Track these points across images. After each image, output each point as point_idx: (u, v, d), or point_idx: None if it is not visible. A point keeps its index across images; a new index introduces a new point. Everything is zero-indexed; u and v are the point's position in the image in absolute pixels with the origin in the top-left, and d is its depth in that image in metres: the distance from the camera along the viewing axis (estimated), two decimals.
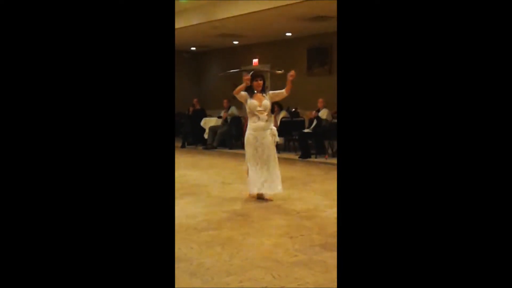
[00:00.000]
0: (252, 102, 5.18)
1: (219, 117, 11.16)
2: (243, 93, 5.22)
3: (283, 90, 5.28)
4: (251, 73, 5.37)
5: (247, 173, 5.28)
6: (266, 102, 5.21)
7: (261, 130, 5.19)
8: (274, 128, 5.34)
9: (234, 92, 5.23)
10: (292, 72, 5.18)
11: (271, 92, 5.39)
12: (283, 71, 5.80)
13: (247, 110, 5.27)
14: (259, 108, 5.18)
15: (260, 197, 5.29)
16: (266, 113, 5.21)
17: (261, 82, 5.24)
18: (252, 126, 5.22)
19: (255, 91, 5.22)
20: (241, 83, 5.32)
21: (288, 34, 11.27)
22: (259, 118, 5.19)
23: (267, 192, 5.22)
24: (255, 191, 5.23)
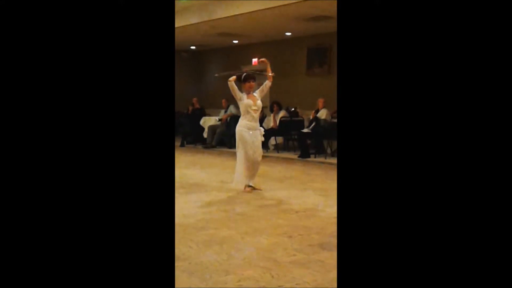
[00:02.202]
0: (247, 102, 5.61)
1: (219, 120, 11.16)
2: (235, 87, 5.59)
3: (266, 81, 5.73)
4: (243, 75, 5.73)
5: (247, 176, 5.68)
6: (259, 103, 5.69)
7: (253, 129, 5.64)
8: (262, 128, 5.79)
9: (229, 79, 5.56)
10: (265, 60, 5.87)
11: (257, 91, 5.74)
12: (273, 74, 6.22)
13: (242, 108, 5.67)
14: (254, 107, 5.62)
15: (250, 189, 5.68)
16: (259, 112, 5.71)
17: (253, 84, 5.69)
18: (246, 124, 5.62)
19: (247, 92, 5.65)
20: (240, 83, 5.68)
21: (288, 34, 11.27)
22: (253, 117, 5.63)
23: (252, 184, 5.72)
24: (241, 187, 5.68)
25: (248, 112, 5.60)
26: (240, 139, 5.62)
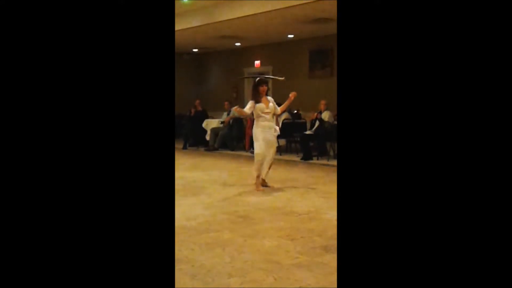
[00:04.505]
0: (260, 105, 6.00)
1: (222, 122, 11.19)
2: (248, 106, 6.07)
3: (278, 108, 6.24)
4: (257, 79, 6.22)
5: (257, 170, 6.04)
6: (271, 105, 6.07)
7: (268, 128, 6.04)
8: (277, 127, 6.23)
9: (241, 114, 6.34)
10: (294, 94, 6.24)
11: (272, 104, 6.13)
12: (284, 78, 6.97)
13: (255, 112, 6.06)
14: (266, 110, 6.01)
15: (264, 185, 6.09)
16: (271, 114, 6.08)
17: (266, 88, 6.15)
18: (260, 125, 6.04)
19: (261, 96, 6.04)
20: (242, 84, 6.03)
21: (290, 36, 11.28)
22: (266, 119, 6.03)
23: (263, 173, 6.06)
24: (264, 173, 6.07)
25: (260, 116, 6.01)
26: (255, 139, 6.09)
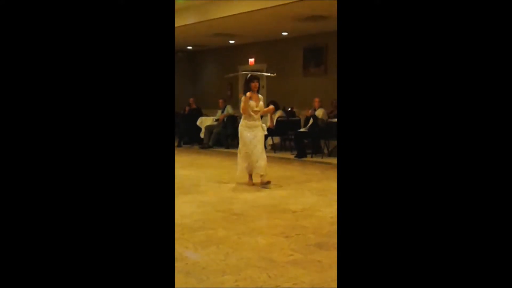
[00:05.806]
0: (251, 103, 5.99)
1: (216, 120, 11.18)
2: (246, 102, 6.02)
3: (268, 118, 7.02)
4: (248, 75, 6.28)
5: (245, 168, 6.12)
6: (261, 104, 6.10)
7: (254, 127, 6.06)
8: (264, 125, 6.23)
9: (243, 111, 6.08)
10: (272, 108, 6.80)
11: (262, 103, 6.20)
12: (275, 74, 7.28)
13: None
14: (255, 109, 6.03)
15: (264, 183, 6.06)
16: (260, 113, 6.11)
17: (257, 84, 6.13)
18: (246, 124, 6.07)
19: (252, 92, 6.04)
20: (237, 82, 6.06)
21: (284, 33, 11.27)
22: (253, 118, 6.03)
23: (257, 172, 6.05)
24: (244, 179, 6.14)
25: (249, 114, 6.01)
26: (240, 137, 6.11)
